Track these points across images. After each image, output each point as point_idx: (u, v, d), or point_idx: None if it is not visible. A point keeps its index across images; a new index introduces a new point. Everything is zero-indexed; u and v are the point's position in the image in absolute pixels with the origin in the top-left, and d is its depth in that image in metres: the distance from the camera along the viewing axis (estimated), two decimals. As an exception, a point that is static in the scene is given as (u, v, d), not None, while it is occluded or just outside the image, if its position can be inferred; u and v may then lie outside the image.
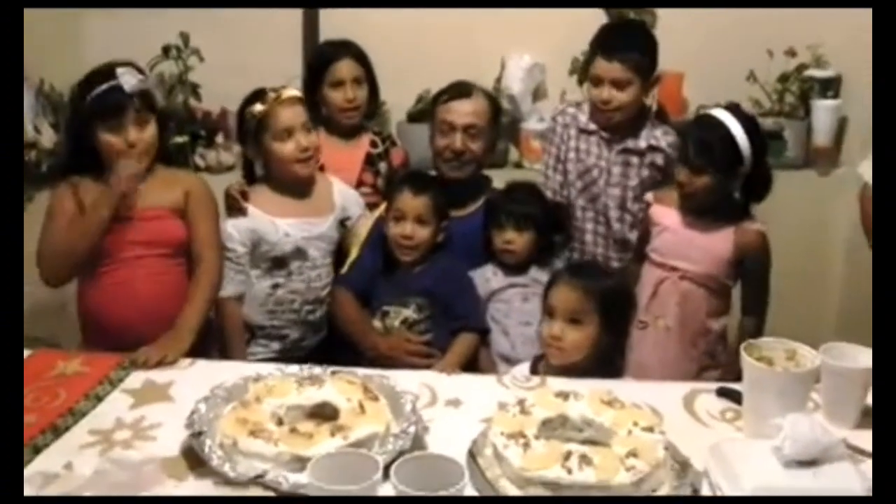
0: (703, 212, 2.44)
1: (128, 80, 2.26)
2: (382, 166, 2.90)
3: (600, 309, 2.06)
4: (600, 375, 2.01)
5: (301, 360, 1.98)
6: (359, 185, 2.82)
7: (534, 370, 2.14)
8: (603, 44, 2.64)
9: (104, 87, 2.27)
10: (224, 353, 2.48)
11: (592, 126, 2.71)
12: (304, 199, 2.59)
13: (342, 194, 2.66)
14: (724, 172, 2.36)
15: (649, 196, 2.60)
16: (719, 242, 2.43)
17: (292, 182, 2.56)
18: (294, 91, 2.59)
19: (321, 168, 2.74)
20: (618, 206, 2.70)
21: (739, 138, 2.34)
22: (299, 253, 2.54)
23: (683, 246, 2.45)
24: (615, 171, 2.70)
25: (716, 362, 2.50)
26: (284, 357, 2.44)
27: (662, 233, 2.50)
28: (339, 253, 2.67)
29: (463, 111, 2.59)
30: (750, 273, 2.48)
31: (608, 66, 2.58)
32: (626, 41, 2.65)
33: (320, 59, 2.89)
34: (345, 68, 2.81)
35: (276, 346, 2.58)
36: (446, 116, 2.60)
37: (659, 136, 2.68)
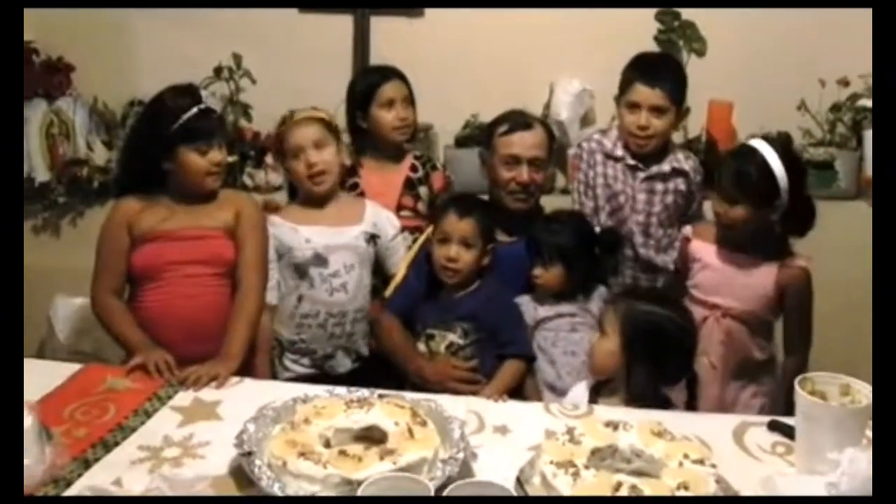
0: (743, 246, 2.42)
1: (214, 102, 2.39)
2: (422, 190, 2.91)
3: (623, 328, 2.08)
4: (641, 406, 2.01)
5: (337, 383, 2.01)
6: (399, 208, 2.84)
7: (594, 397, 2.15)
8: (643, 71, 2.67)
9: (195, 110, 2.34)
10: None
11: (619, 152, 2.74)
12: (328, 209, 2.63)
13: (374, 212, 2.68)
14: (759, 204, 2.32)
15: (687, 230, 2.60)
16: (761, 279, 2.40)
17: (316, 197, 2.62)
18: (311, 111, 2.63)
19: (361, 193, 2.80)
20: (642, 233, 2.72)
21: (777, 170, 2.30)
22: (319, 259, 2.56)
23: (724, 283, 2.43)
24: (640, 199, 2.72)
25: (762, 390, 2.48)
26: (318, 377, 2.45)
27: (702, 270, 2.48)
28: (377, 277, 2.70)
29: (527, 144, 2.60)
30: (791, 311, 2.44)
31: (650, 92, 2.62)
32: (665, 70, 2.71)
33: (368, 81, 2.91)
34: (395, 88, 2.84)
35: (306, 361, 2.62)
36: (510, 150, 2.60)
37: (682, 160, 2.72)
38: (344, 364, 2.64)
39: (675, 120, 2.70)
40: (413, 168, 2.92)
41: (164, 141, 2.34)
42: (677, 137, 3.20)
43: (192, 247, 2.36)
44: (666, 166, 2.70)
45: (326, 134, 2.60)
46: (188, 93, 2.39)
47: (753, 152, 2.34)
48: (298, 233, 2.57)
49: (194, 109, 2.34)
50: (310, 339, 2.60)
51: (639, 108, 2.63)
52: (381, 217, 2.69)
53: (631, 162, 2.71)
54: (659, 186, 2.71)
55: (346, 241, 2.60)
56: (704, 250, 2.49)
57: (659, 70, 2.69)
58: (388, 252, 2.70)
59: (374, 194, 2.79)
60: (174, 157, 2.35)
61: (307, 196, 2.64)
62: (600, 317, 2.21)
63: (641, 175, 2.71)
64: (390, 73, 2.89)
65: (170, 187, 2.41)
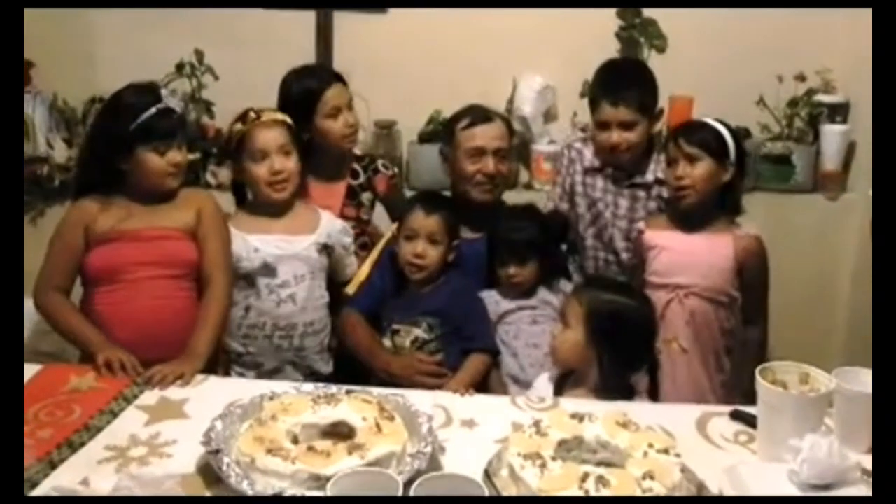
0: (695, 225, 2.49)
1: (175, 102, 2.32)
2: (365, 196, 2.84)
3: (587, 319, 2.11)
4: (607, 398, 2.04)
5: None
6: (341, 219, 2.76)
7: (558, 388, 2.17)
8: (606, 89, 2.67)
9: (153, 109, 2.29)
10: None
11: (598, 163, 2.76)
12: (281, 219, 2.57)
13: (329, 223, 2.62)
14: (717, 158, 2.44)
15: (640, 224, 2.64)
16: (719, 250, 2.47)
17: (270, 204, 2.56)
18: (278, 115, 2.57)
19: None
20: (624, 238, 2.73)
21: (724, 131, 2.46)
22: (267, 269, 2.51)
23: (684, 261, 2.48)
24: (622, 205, 2.74)
25: (724, 375, 2.53)
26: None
27: (661, 254, 2.52)
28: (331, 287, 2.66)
29: (490, 135, 2.63)
30: (750, 281, 2.51)
31: (614, 111, 2.62)
32: (628, 82, 2.68)
33: (306, 87, 2.73)
34: (338, 95, 2.73)
35: (251, 374, 2.54)
36: (474, 142, 2.62)
37: (664, 168, 2.70)
38: (293, 379, 2.51)
39: (649, 126, 2.68)
40: (354, 174, 2.83)
41: (122, 140, 2.28)
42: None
43: (152, 248, 2.31)
44: (649, 176, 2.70)
45: (291, 140, 2.54)
46: (148, 91, 2.34)
47: (701, 121, 2.54)
48: (247, 241, 2.50)
49: (153, 109, 2.29)
50: (256, 351, 2.53)
51: (609, 126, 2.63)
52: (335, 227, 2.63)
53: (609, 172, 2.73)
54: (642, 193, 2.72)
55: (296, 250, 2.54)
56: (659, 236, 2.55)
57: (621, 85, 2.65)
58: (343, 262, 2.66)
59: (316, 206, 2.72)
60: (132, 157, 2.30)
61: (263, 202, 2.56)
62: (563, 308, 2.22)
63: (625, 183, 2.73)
64: (329, 77, 2.77)
65: (128, 187, 2.35)
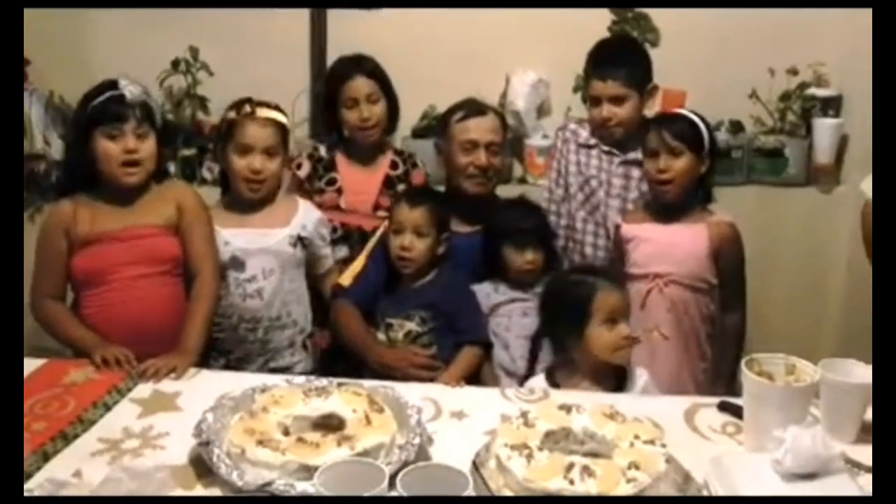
0: (671, 215, 2.52)
1: (130, 89, 2.31)
2: (401, 189, 2.87)
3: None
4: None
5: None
6: (376, 208, 2.83)
7: (550, 379, 2.18)
8: (596, 64, 2.73)
9: (106, 95, 2.30)
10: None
11: (593, 141, 2.79)
12: (255, 213, 2.57)
13: (306, 214, 2.63)
14: (696, 151, 2.47)
15: (618, 219, 2.66)
16: (695, 239, 2.49)
17: (246, 197, 2.57)
18: (273, 114, 2.56)
19: (339, 191, 2.79)
20: (617, 217, 2.74)
21: (699, 122, 2.50)
22: (235, 263, 2.51)
23: (663, 250, 2.51)
24: (616, 183, 2.76)
25: (706, 363, 2.56)
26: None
27: (639, 245, 2.55)
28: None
29: (483, 128, 2.66)
30: (726, 267, 2.53)
31: (603, 85, 2.67)
32: (617, 58, 2.74)
33: (334, 78, 2.89)
34: (356, 87, 2.80)
35: (222, 361, 2.55)
36: (467, 135, 2.65)
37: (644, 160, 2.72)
38: (261, 371, 2.51)
39: (641, 101, 2.71)
40: (393, 165, 2.90)
41: (79, 126, 2.31)
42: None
43: (134, 247, 2.31)
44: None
45: (279, 142, 2.54)
46: (109, 83, 2.34)
47: (678, 113, 2.57)
48: (218, 234, 2.49)
49: (106, 94, 2.30)
50: (224, 339, 2.55)
51: (600, 101, 2.68)
52: (312, 219, 2.64)
53: (605, 148, 2.76)
54: (635, 171, 2.73)
55: (267, 244, 2.54)
56: (636, 229, 2.57)
57: (610, 60, 2.72)
58: (318, 253, 2.68)
59: (352, 192, 2.79)
60: (91, 146, 2.29)
61: (237, 194, 2.57)
62: (615, 307, 2.15)
63: (617, 160, 2.76)
64: (356, 68, 2.84)
65: (103, 187, 2.34)
